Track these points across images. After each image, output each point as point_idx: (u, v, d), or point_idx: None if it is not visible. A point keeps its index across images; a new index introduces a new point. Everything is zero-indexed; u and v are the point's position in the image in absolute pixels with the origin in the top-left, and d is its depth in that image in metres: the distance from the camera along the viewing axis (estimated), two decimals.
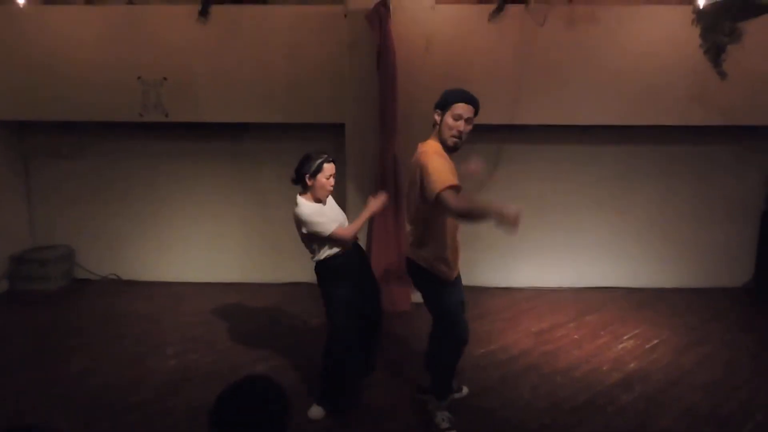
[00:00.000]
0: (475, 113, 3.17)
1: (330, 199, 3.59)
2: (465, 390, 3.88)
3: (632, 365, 4.29)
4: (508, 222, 2.70)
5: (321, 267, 3.49)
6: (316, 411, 3.57)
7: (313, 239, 3.43)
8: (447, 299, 3.30)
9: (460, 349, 3.39)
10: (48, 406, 3.66)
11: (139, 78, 5.39)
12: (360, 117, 5.29)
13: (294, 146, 5.66)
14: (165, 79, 5.39)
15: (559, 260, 5.99)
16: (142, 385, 3.95)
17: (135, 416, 3.57)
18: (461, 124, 3.09)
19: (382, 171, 5.19)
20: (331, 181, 3.46)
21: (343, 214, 3.63)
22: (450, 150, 3.17)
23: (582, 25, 5.22)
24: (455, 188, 2.94)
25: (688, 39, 5.20)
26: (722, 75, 5.21)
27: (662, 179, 5.86)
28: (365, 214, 3.55)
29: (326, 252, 3.44)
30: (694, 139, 5.72)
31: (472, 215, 2.89)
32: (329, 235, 3.35)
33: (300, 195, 3.45)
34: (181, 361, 4.32)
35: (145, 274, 6.15)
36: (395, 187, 5.20)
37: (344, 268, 3.49)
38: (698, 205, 5.91)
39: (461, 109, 3.09)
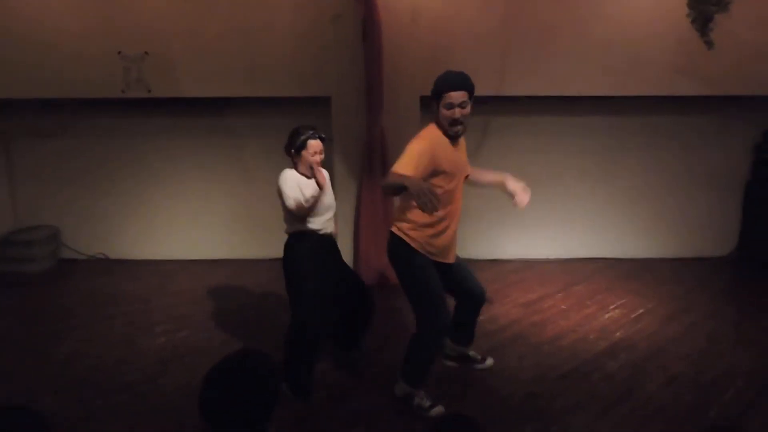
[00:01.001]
0: (470, 94, 3.16)
1: (326, 182, 3.54)
2: (490, 361, 3.89)
3: (618, 334, 4.35)
4: (423, 198, 2.73)
5: (292, 239, 3.50)
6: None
7: (286, 210, 3.45)
8: (420, 277, 3.22)
9: (436, 340, 3.31)
10: (38, 387, 3.66)
11: (119, 53, 5.29)
12: (346, 90, 5.24)
13: (279, 121, 5.57)
14: (146, 53, 5.29)
15: (546, 232, 6.03)
16: (133, 364, 3.95)
17: (126, 395, 3.57)
18: (455, 112, 3.11)
19: (369, 144, 5.17)
20: (317, 158, 3.42)
21: (333, 199, 3.60)
22: (453, 137, 3.19)
23: None
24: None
25: (676, 8, 5.19)
26: (709, 44, 5.22)
27: (648, 150, 5.88)
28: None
29: (298, 226, 3.45)
30: (679, 109, 5.73)
31: (388, 187, 3.00)
32: (290, 207, 3.35)
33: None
34: (170, 340, 4.32)
35: (133, 253, 6.12)
36: (382, 160, 5.18)
37: (313, 250, 3.48)
38: (683, 175, 5.94)
39: (451, 98, 3.10)
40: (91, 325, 4.59)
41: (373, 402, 3.50)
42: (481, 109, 5.46)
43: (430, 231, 3.22)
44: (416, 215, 3.17)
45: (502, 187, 3.48)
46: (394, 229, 3.30)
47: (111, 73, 5.32)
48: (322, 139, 3.46)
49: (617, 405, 3.43)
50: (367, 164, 5.20)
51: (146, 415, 3.38)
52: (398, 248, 3.28)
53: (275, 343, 4.15)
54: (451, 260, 3.40)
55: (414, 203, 3.04)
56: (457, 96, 3.10)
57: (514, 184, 3.43)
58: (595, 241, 6.04)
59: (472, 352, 3.90)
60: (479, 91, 5.23)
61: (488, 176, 3.57)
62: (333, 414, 3.40)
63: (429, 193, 2.72)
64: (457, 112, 3.11)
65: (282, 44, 5.28)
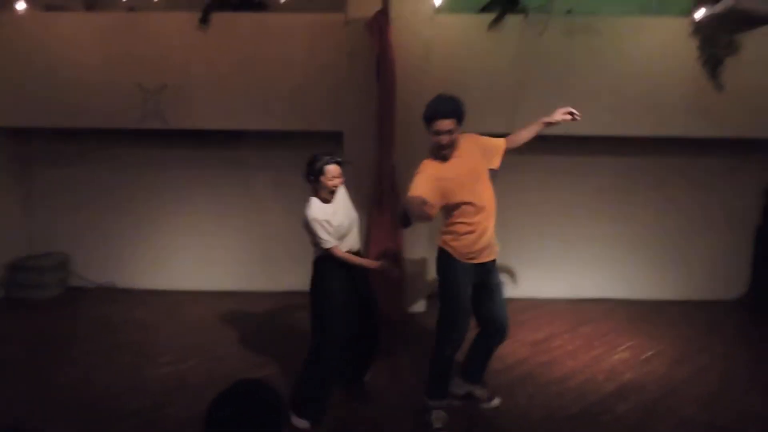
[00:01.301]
0: (458, 119, 3.27)
1: (343, 197, 3.61)
2: (496, 401, 3.85)
3: (627, 376, 4.29)
4: (412, 208, 2.95)
5: (321, 260, 3.54)
6: (301, 422, 3.51)
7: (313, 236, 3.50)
8: (451, 280, 3.41)
9: (448, 345, 3.44)
10: (44, 414, 3.64)
11: (139, 85, 5.41)
12: (358, 125, 5.31)
13: (291, 154, 5.67)
14: (165, 85, 5.41)
15: (555, 271, 6.00)
16: (139, 393, 3.93)
17: (131, 423, 3.55)
18: (442, 138, 3.26)
19: (381, 180, 5.20)
20: (335, 182, 3.47)
21: (354, 213, 3.65)
22: (444, 159, 3.32)
23: (580, 36, 5.26)
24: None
25: (686, 51, 5.26)
26: (719, 87, 5.27)
27: (659, 191, 5.88)
28: (363, 261, 3.62)
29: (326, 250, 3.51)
30: (690, 151, 5.75)
31: (400, 221, 3.29)
32: (325, 248, 3.43)
33: (312, 196, 3.53)
34: (177, 369, 4.31)
35: (141, 282, 6.14)
36: (393, 196, 5.21)
37: (342, 269, 3.53)
38: (694, 217, 5.93)
39: (437, 126, 3.24)
40: (98, 352, 4.59)
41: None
42: None
43: (472, 237, 3.37)
44: (457, 227, 3.37)
45: (547, 128, 3.61)
46: (439, 242, 3.50)
47: (129, 104, 5.43)
48: (339, 163, 3.50)
49: None
50: (377, 200, 5.23)
51: None
52: (441, 258, 3.49)
53: (282, 374, 4.16)
54: (493, 256, 3.51)
55: (451, 221, 3.37)
56: (444, 125, 3.23)
57: (553, 117, 3.54)
58: (604, 281, 6.00)
59: (479, 391, 3.86)
60: (491, 129, 5.29)
61: (526, 134, 3.65)
62: None
63: (418, 202, 2.89)
64: (444, 139, 3.25)
65: (297, 79, 5.39)
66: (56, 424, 3.50)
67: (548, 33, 5.19)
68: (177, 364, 4.37)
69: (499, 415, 3.71)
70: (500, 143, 3.57)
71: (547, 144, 5.64)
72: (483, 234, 3.38)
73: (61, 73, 5.42)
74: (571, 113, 3.48)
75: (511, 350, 4.70)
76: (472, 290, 3.45)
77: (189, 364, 4.39)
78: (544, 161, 5.81)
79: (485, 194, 3.40)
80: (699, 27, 5.19)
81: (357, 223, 3.66)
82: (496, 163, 3.54)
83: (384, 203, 5.22)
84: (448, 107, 3.24)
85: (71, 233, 6.13)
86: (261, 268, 6.07)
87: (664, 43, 5.28)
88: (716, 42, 5.24)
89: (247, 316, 5.40)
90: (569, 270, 5.99)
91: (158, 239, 6.12)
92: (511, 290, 5.95)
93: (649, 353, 4.70)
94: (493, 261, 3.53)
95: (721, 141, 5.59)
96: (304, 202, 3.51)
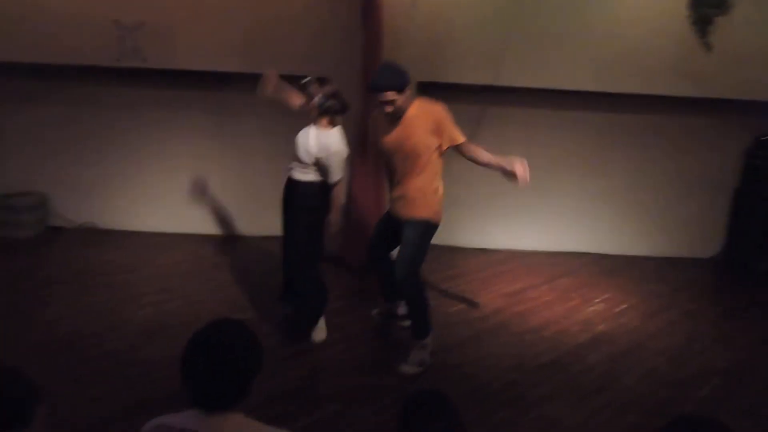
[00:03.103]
0: (398, 90, 3.39)
1: (312, 133, 3.85)
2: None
3: (600, 327, 4.41)
4: None
5: None
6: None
7: None
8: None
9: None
10: (20, 354, 3.65)
11: (115, 21, 5.24)
12: (344, 71, 5.22)
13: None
14: (143, 23, 5.24)
15: (535, 224, 6.06)
16: (117, 334, 3.96)
17: (109, 363, 3.59)
18: (386, 108, 3.46)
19: (364, 128, 5.16)
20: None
21: (304, 145, 3.82)
22: (389, 120, 3.58)
23: None
24: None
25: (676, 9, 5.21)
26: (708, 46, 5.24)
27: (640, 148, 5.90)
28: None
29: None
30: (674, 109, 5.75)
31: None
32: None
33: None
34: (157, 311, 4.32)
35: (123, 224, 6.07)
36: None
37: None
38: (674, 175, 5.98)
39: (379, 98, 3.44)
40: (76, 293, 4.58)
41: (348, 381, 3.53)
42: (476, 97, 5.53)
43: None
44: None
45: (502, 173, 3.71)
46: None
47: (106, 40, 5.27)
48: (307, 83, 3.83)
49: (594, 395, 3.49)
50: (360, 148, 5.20)
51: (129, 382, 3.40)
52: None
53: (263, 318, 4.21)
54: (397, 215, 3.75)
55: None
56: (384, 96, 3.39)
57: (511, 167, 3.67)
58: (583, 235, 6.08)
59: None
60: (476, 80, 5.27)
61: (484, 160, 3.74)
62: (307, 393, 3.44)
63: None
64: (387, 109, 3.46)
65: (283, 21, 5.26)
66: (33, 364, 3.50)
67: None
68: (157, 306, 4.39)
69: (471, 363, 3.81)
70: (458, 139, 3.61)
71: (530, 97, 5.64)
72: (392, 190, 3.76)
73: (33, 5, 5.21)
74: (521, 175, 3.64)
75: (488, 300, 4.80)
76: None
77: (169, 306, 4.41)
78: (526, 114, 5.77)
79: (400, 168, 3.61)
80: None
81: (301, 157, 3.81)
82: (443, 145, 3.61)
83: (366, 150, 5.19)
84: (385, 82, 3.38)
85: (49, 173, 5.99)
86: (243, 211, 6.03)
87: (653, 0, 5.21)
88: (707, 1, 5.19)
89: (230, 260, 5.41)
90: (549, 223, 6.05)
91: (140, 180, 6.01)
92: (490, 241, 6.04)
93: (623, 306, 4.82)
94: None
95: (705, 101, 5.59)
96: (288, 146, 3.74)
